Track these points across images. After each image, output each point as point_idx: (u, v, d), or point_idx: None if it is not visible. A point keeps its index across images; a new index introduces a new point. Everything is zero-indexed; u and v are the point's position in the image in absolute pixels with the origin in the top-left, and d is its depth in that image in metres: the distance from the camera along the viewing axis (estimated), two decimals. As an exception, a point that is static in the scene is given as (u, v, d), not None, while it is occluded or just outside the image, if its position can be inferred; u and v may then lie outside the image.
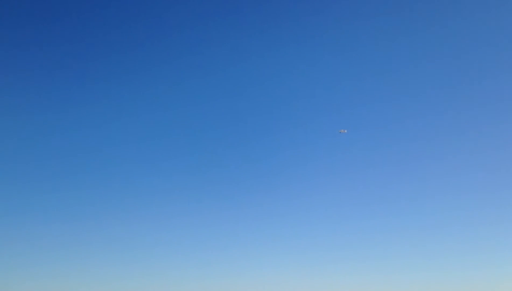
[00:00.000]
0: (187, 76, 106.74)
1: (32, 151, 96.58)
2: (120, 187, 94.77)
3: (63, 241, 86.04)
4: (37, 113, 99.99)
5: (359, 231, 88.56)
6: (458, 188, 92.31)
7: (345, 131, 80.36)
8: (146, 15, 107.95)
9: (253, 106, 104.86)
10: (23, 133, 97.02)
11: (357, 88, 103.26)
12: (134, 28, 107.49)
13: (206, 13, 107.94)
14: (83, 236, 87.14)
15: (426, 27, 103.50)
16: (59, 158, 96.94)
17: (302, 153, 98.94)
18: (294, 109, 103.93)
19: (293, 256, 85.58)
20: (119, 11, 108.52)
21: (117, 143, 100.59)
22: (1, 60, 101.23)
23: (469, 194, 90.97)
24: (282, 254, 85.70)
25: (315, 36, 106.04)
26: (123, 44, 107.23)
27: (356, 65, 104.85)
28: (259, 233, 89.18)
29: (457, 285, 78.04)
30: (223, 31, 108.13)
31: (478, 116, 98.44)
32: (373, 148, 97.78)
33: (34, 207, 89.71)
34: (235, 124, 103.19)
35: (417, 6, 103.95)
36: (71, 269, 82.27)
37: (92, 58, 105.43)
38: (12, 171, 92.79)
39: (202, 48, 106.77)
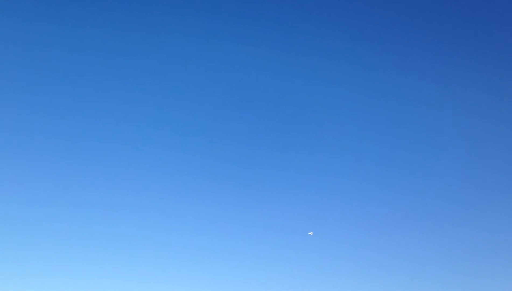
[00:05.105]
0: (187, 75, 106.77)
1: (31, 150, 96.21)
2: (119, 186, 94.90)
3: (62, 240, 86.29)
4: (36, 112, 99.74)
5: (360, 232, 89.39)
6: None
7: (311, 233, 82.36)
8: (146, 14, 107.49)
9: (255, 105, 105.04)
10: (22, 132, 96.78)
11: (358, 88, 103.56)
12: (134, 28, 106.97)
13: (208, 11, 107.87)
14: (83, 236, 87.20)
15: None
16: (58, 156, 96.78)
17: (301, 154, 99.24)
18: (295, 109, 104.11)
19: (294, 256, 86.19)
20: (119, 11, 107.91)
21: (115, 142, 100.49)
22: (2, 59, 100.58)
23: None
24: (283, 255, 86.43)
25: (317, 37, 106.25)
26: (123, 43, 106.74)
27: (357, 64, 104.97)
28: (260, 234, 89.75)
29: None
30: (224, 31, 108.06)
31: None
32: (375, 149, 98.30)
33: (33, 207, 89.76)
34: (235, 124, 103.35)
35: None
36: (71, 269, 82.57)
37: (92, 57, 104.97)
38: (11, 170, 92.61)
39: (203, 48, 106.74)
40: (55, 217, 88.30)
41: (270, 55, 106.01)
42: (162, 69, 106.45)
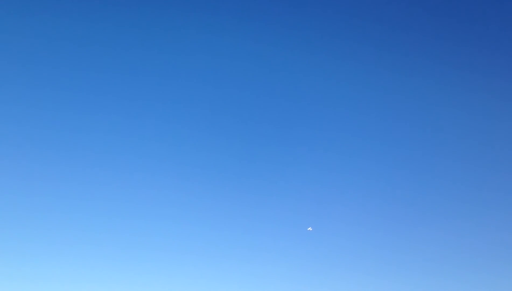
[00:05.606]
0: (189, 71, 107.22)
1: (33, 150, 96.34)
2: (120, 186, 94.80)
3: (64, 240, 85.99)
4: (37, 112, 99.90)
5: (360, 227, 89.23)
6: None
7: (310, 229, 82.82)
8: (148, 15, 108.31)
9: (257, 101, 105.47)
10: (24, 132, 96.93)
11: (360, 86, 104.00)
12: (136, 28, 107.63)
13: (209, 11, 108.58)
14: (83, 236, 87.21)
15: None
16: (58, 157, 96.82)
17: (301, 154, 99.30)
18: (296, 105, 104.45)
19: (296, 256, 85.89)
20: (119, 11, 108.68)
21: (115, 142, 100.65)
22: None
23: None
24: (282, 250, 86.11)
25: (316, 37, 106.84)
26: (124, 43, 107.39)
27: (359, 62, 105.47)
28: (259, 234, 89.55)
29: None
30: (225, 32, 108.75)
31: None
32: (375, 145, 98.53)
33: (34, 207, 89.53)
34: (237, 120, 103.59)
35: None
36: (71, 269, 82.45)
37: (93, 57, 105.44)
38: (13, 170, 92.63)
39: (205, 45, 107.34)
40: (56, 215, 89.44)
41: (272, 52, 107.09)
42: (164, 66, 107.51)
